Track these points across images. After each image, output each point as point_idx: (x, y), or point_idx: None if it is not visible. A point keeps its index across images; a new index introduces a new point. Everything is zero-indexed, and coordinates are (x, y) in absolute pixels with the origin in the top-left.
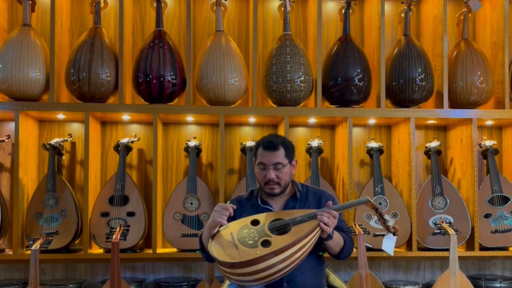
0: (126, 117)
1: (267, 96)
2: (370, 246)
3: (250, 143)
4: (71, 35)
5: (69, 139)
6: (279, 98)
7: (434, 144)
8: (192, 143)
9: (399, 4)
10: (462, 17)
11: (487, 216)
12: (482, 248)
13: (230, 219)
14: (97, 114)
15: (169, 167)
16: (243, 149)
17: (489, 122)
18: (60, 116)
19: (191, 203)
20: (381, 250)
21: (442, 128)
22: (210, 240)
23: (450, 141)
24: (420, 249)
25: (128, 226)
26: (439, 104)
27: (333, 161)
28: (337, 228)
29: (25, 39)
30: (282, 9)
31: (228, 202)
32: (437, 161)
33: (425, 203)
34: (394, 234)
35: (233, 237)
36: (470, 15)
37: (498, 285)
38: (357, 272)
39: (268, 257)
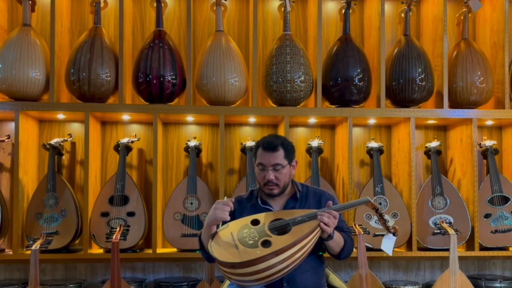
0: (126, 117)
1: (267, 96)
2: (370, 246)
3: (250, 143)
4: (71, 35)
5: (69, 139)
6: (279, 98)
7: (434, 144)
8: (192, 143)
9: (399, 4)
10: (462, 17)
11: (487, 216)
12: (482, 248)
13: (230, 218)
14: (97, 114)
15: (169, 167)
16: (243, 149)
17: (489, 122)
18: (60, 116)
19: (191, 203)
20: (381, 250)
21: (442, 128)
22: (210, 240)
23: (450, 141)
24: (420, 249)
25: (128, 226)
26: (439, 104)
27: (333, 161)
28: (337, 228)
29: (25, 39)
30: (282, 9)
31: (225, 197)
32: (437, 161)
33: (425, 203)
34: (394, 234)
35: (233, 237)
36: (470, 15)
37: (498, 285)
38: (357, 272)
39: (268, 257)
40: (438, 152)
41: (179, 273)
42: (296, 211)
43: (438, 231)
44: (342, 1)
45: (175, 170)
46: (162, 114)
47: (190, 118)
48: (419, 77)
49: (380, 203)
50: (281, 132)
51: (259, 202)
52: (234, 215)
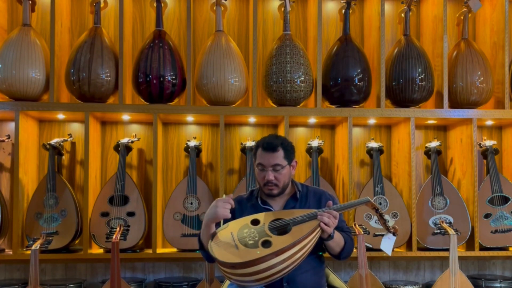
0: (126, 117)
1: (267, 96)
2: (370, 246)
3: (250, 143)
4: (71, 35)
5: (69, 139)
6: (279, 98)
7: (434, 144)
8: (192, 143)
9: (399, 4)
10: (462, 17)
11: (487, 216)
12: (482, 248)
13: (230, 218)
14: (97, 114)
15: (169, 167)
16: (243, 149)
17: (489, 122)
18: (60, 116)
19: (191, 203)
20: (381, 250)
21: (442, 128)
22: (210, 240)
23: (450, 141)
24: (420, 249)
25: (128, 226)
26: (439, 104)
27: (333, 161)
28: (337, 228)
29: (25, 39)
30: (282, 9)
31: (224, 195)
32: (437, 161)
33: (425, 203)
34: (394, 234)
35: (233, 237)
36: (470, 15)
37: (498, 285)
38: (357, 272)
39: (268, 257)
40: (438, 152)
41: (179, 273)
42: (296, 211)
43: (438, 231)
44: (342, 1)
45: (175, 170)
46: (162, 114)
47: (190, 118)
48: (419, 77)
49: (380, 203)
50: (281, 132)
51: (259, 202)
52: (234, 215)
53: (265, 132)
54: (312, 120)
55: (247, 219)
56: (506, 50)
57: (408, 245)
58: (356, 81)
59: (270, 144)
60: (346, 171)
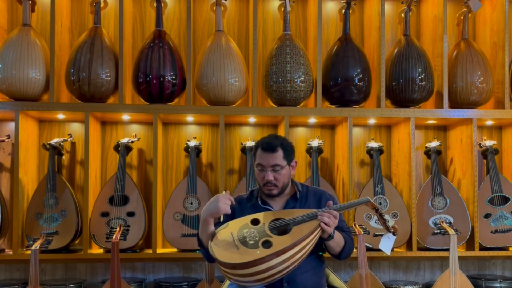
0: (126, 117)
1: (267, 96)
2: (370, 246)
3: (250, 143)
4: (71, 35)
5: (69, 139)
6: (279, 98)
7: (434, 144)
8: (192, 143)
9: (399, 4)
10: (462, 17)
11: (487, 216)
12: (482, 248)
13: (230, 218)
14: (97, 114)
15: (169, 167)
16: (243, 149)
17: (489, 122)
18: (60, 116)
19: (191, 203)
20: (381, 250)
21: (442, 128)
22: (210, 240)
23: (450, 141)
24: (420, 249)
25: (128, 226)
26: (439, 104)
27: (333, 161)
28: (337, 228)
29: (25, 39)
30: (282, 9)
31: (224, 192)
32: (437, 161)
33: (425, 203)
34: (393, 234)
35: (234, 237)
36: (470, 15)
37: (498, 285)
38: (357, 272)
39: (269, 258)
40: (438, 152)
41: (179, 273)
42: (296, 210)
43: (438, 231)
44: (342, 1)
45: (175, 170)
46: (162, 114)
47: (190, 118)
48: (419, 77)
49: (380, 203)
50: (281, 132)
51: (259, 202)
52: (234, 215)
53: (265, 132)
54: (312, 120)
55: (247, 218)
56: (506, 50)
57: (408, 245)
58: (356, 81)
59: (269, 144)
60: (346, 171)
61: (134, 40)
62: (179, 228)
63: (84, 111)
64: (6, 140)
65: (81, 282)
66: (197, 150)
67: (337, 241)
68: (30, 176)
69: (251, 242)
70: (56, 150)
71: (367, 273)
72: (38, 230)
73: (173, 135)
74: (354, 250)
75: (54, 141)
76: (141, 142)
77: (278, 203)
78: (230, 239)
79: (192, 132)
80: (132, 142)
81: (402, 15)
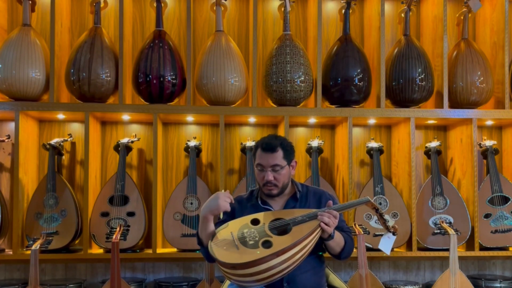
0: (126, 117)
1: (267, 96)
2: (370, 246)
3: (250, 143)
4: (71, 35)
5: (69, 139)
6: (279, 98)
7: (434, 144)
8: (192, 143)
9: (399, 4)
10: (462, 17)
11: (487, 216)
12: (482, 248)
13: (230, 218)
14: (97, 114)
15: (169, 167)
16: (243, 149)
17: (489, 122)
18: (60, 116)
19: (191, 203)
20: (381, 250)
21: (442, 128)
22: (210, 240)
23: (450, 141)
24: (420, 249)
25: (128, 226)
26: (439, 104)
27: (333, 161)
28: (337, 228)
29: (25, 39)
30: (282, 9)
31: (223, 189)
32: (437, 161)
33: (425, 203)
34: (394, 234)
35: (234, 237)
36: (470, 15)
37: (498, 285)
38: (357, 272)
39: (269, 258)
40: (438, 152)
41: (179, 273)
42: (296, 210)
43: (438, 231)
44: (342, 1)
45: (175, 170)
46: (162, 114)
47: (190, 118)
48: (419, 77)
49: (380, 203)
50: (281, 132)
51: (259, 202)
52: (234, 215)
53: (265, 132)
54: (312, 120)
55: (247, 218)
56: (506, 50)
57: (408, 245)
58: (356, 81)
59: (269, 144)
60: (346, 171)
61: (134, 40)
62: (179, 228)
63: (84, 111)
64: (6, 140)
65: (81, 282)
66: (197, 150)
67: (337, 241)
68: (30, 176)
69: (251, 242)
70: (56, 150)
71: (367, 273)
72: (38, 230)
73: (173, 135)
74: (354, 250)
75: (54, 141)
76: (141, 142)
77: (278, 203)
78: (230, 239)
79: (192, 132)
80: (132, 142)
81: (402, 15)
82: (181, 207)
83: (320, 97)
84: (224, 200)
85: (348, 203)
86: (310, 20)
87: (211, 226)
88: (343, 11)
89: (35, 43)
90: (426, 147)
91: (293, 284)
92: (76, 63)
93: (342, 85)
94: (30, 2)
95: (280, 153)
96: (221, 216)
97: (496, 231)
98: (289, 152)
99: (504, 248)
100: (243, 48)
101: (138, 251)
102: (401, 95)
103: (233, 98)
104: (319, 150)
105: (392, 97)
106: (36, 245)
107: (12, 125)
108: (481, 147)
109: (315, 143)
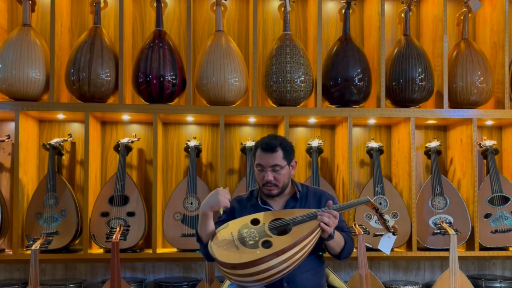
0: (126, 117)
1: (267, 96)
2: (370, 246)
3: (250, 143)
4: (71, 35)
5: (69, 139)
6: (279, 98)
7: (434, 144)
8: (192, 143)
9: (399, 4)
10: (462, 17)
11: (487, 216)
12: (482, 248)
13: (230, 218)
14: (97, 114)
15: (169, 167)
16: (243, 149)
17: (489, 122)
18: (60, 116)
19: (191, 203)
20: (381, 250)
21: (442, 128)
22: (210, 240)
23: (450, 141)
24: (420, 249)
25: (128, 226)
26: (439, 104)
27: (333, 161)
28: (337, 228)
29: (25, 39)
30: (282, 9)
31: (221, 187)
32: (437, 161)
33: (425, 203)
34: (394, 234)
35: (233, 237)
36: (470, 15)
37: (498, 285)
38: (357, 272)
39: (269, 258)
40: (438, 152)
41: (179, 273)
42: (296, 210)
43: (438, 231)
44: (342, 1)
45: (175, 170)
46: (162, 114)
47: (190, 118)
48: (419, 77)
49: (380, 203)
50: (281, 132)
51: (259, 202)
52: (234, 215)
53: (265, 132)
54: (312, 120)
55: (247, 218)
56: (506, 50)
57: (408, 245)
58: (356, 81)
59: (269, 144)
60: (346, 171)
61: (134, 40)
62: (179, 228)
63: (84, 111)
64: (6, 140)
65: (81, 282)
66: (197, 150)
67: (337, 241)
68: (30, 176)
69: (251, 242)
70: (56, 150)
71: (367, 273)
72: (38, 230)
73: (173, 135)
74: (354, 250)
75: (54, 141)
76: (141, 142)
77: (278, 203)
78: (230, 239)
79: (192, 132)
80: (132, 142)
81: (402, 15)
82: (181, 207)
83: (320, 97)
84: (224, 196)
85: (348, 203)
86: (310, 20)
87: (211, 223)
88: (343, 11)
89: (35, 43)
90: (426, 147)
91: (293, 284)
92: (76, 63)
93: (342, 85)
94: (30, 2)
95: (280, 153)
96: (221, 213)
97: (496, 231)
98: (289, 152)
99: (504, 248)
100: (243, 48)
101: (138, 251)
102: (401, 95)
103: (233, 98)
104: (319, 150)
105: (392, 97)
106: (36, 245)
107: (12, 125)
108: (481, 147)
109: (315, 143)
